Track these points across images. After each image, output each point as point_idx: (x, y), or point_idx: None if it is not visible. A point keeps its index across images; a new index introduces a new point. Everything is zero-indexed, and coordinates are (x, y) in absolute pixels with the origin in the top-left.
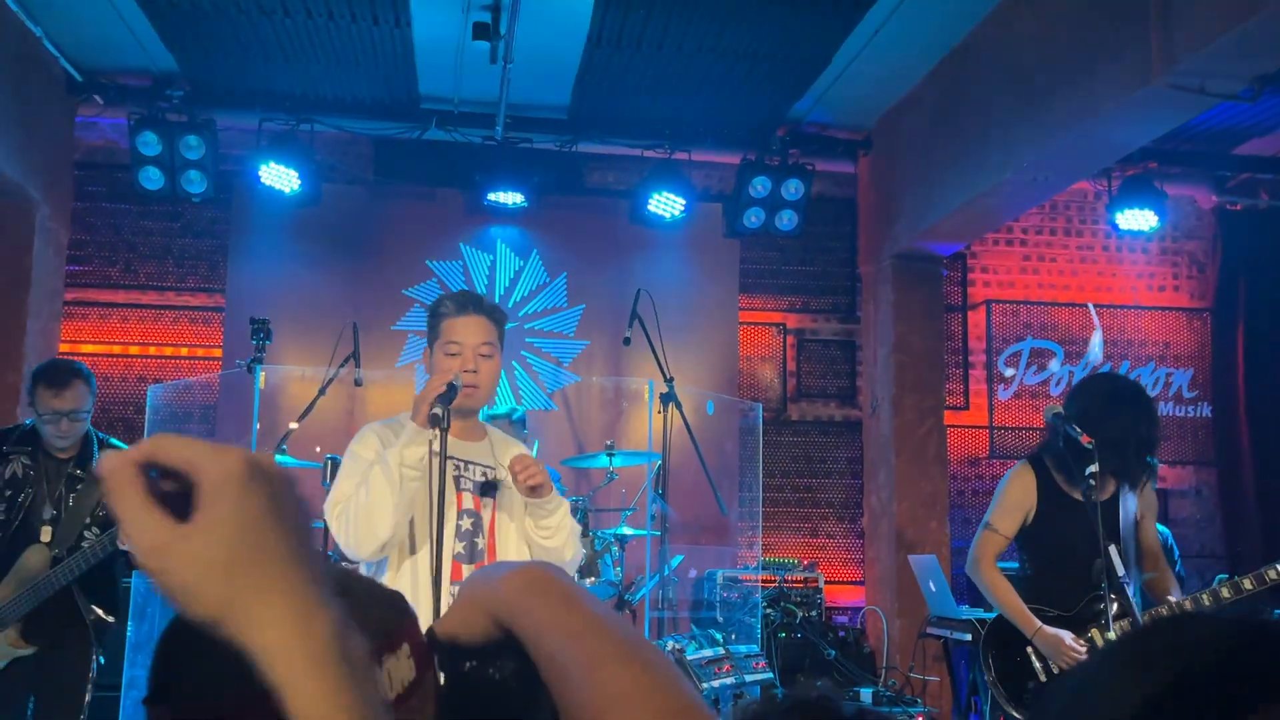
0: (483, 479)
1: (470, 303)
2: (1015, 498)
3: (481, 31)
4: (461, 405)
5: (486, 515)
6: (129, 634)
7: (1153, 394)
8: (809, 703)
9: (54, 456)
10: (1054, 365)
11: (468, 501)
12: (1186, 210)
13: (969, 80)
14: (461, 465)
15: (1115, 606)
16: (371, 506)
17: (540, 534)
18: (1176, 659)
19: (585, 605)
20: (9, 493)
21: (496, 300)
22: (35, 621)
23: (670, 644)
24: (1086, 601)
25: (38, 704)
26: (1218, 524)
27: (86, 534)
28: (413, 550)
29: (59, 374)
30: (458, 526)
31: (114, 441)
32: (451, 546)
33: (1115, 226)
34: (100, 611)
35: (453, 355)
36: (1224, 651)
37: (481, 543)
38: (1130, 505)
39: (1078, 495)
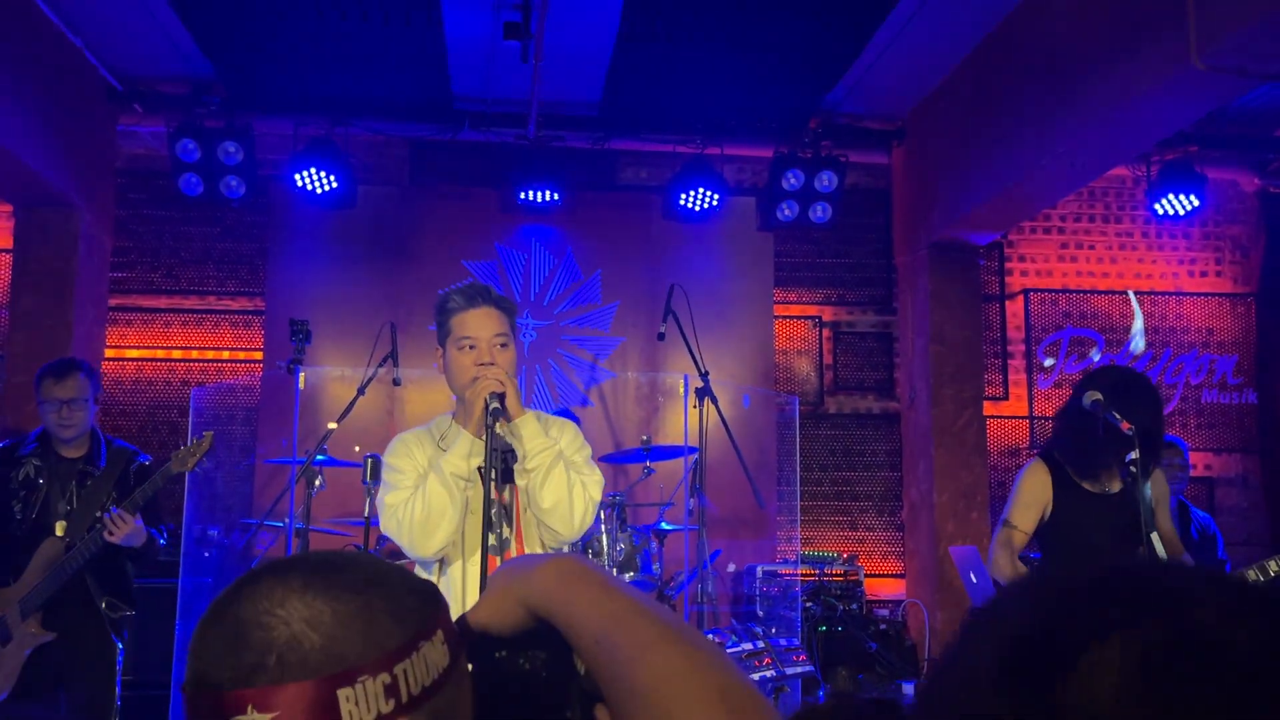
0: (503, 465)
1: (479, 294)
2: (1032, 493)
3: (513, 30)
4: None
5: (510, 502)
6: (177, 632)
7: (1196, 381)
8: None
9: (64, 457)
10: (1095, 354)
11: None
12: (1228, 194)
13: (1003, 67)
14: (492, 456)
15: None
16: (429, 514)
17: (522, 479)
18: (1026, 609)
19: (624, 592)
20: (23, 493)
21: (532, 299)
22: (54, 611)
23: (710, 638)
24: None
25: (68, 696)
26: (1264, 511)
27: (96, 525)
28: (462, 550)
29: (61, 366)
30: (487, 518)
31: (120, 443)
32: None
33: (1154, 212)
34: (114, 599)
35: (467, 350)
36: (1065, 594)
37: (507, 531)
38: (1146, 494)
39: (1088, 486)
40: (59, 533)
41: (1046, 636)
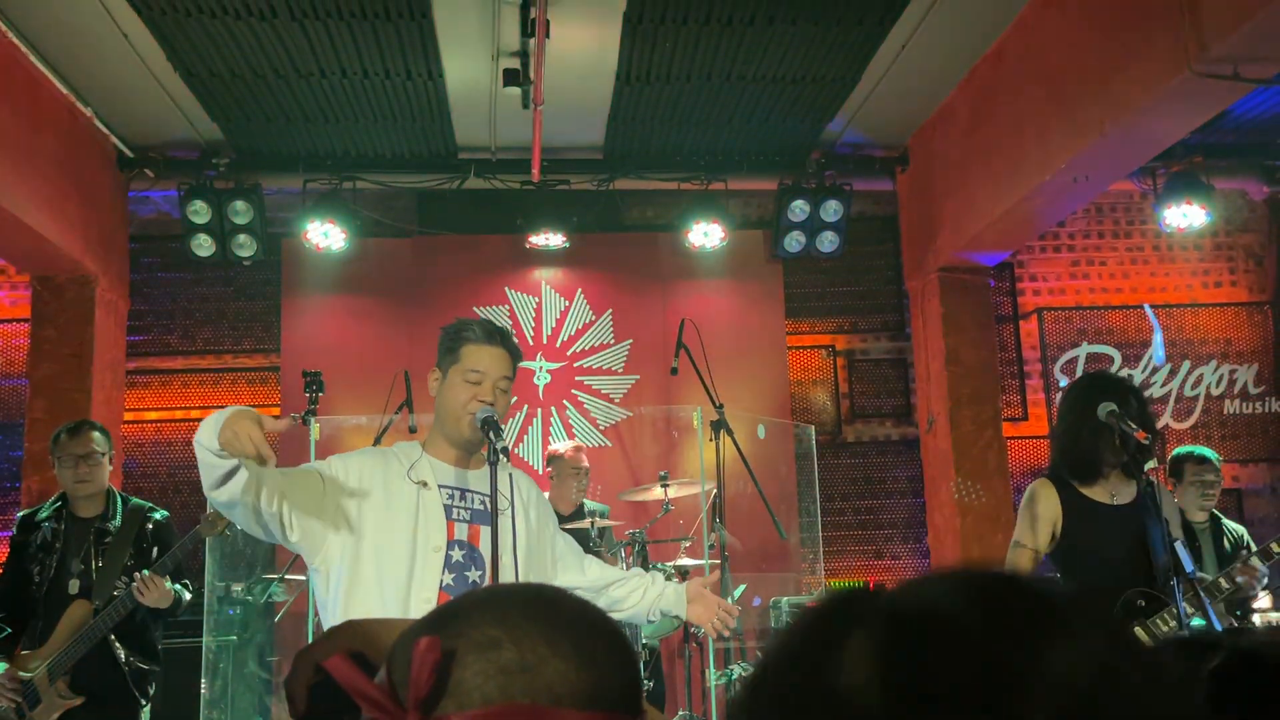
0: (481, 507)
1: (498, 334)
2: (1039, 511)
3: (512, 78)
4: (470, 437)
5: (485, 548)
6: (203, 691)
7: (1216, 392)
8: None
9: (79, 517)
10: (1113, 370)
11: (460, 532)
12: (1238, 203)
13: (1001, 87)
14: (457, 494)
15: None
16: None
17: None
18: None
19: None
20: (41, 555)
21: (544, 342)
22: (79, 672)
23: (738, 672)
24: (1120, 602)
25: None
26: None
27: (119, 585)
28: (386, 577)
29: (75, 424)
30: (448, 557)
31: (135, 501)
32: (440, 578)
33: (1164, 225)
34: (135, 659)
35: (473, 383)
36: None
37: (476, 575)
38: (1168, 503)
39: (1099, 498)
40: (72, 591)
41: None
